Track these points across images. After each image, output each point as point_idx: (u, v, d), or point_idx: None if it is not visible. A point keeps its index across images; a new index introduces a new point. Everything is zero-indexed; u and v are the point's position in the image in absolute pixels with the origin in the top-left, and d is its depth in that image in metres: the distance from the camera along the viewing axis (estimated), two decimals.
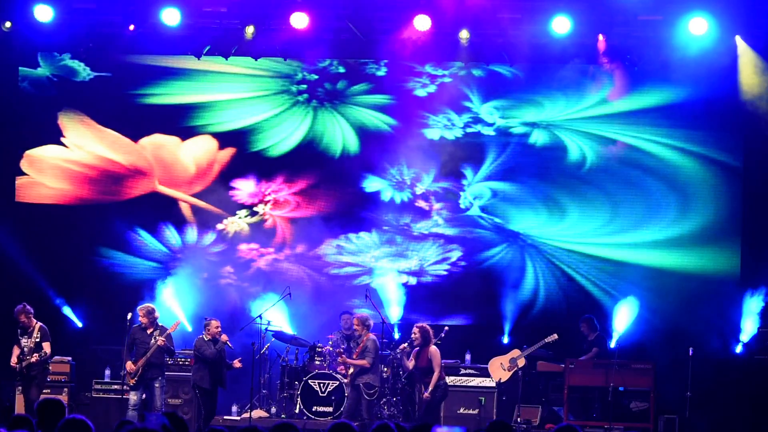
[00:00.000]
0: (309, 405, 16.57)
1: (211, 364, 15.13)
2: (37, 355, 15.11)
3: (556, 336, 16.50)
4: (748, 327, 16.74)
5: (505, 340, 17.62)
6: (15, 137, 18.37)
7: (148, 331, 15.15)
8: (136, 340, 15.18)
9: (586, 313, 17.15)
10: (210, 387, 15.12)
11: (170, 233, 18.46)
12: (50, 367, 15.69)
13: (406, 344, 15.22)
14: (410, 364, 15.02)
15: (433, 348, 14.95)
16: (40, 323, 15.34)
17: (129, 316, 15.60)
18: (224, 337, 15.19)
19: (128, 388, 15.28)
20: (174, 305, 17.54)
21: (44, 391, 15.83)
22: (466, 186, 18.26)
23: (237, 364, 15.42)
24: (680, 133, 17.83)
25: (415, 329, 15.04)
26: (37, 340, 15.21)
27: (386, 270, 18.18)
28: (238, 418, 16.54)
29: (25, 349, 15.18)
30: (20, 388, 15.76)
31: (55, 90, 18.36)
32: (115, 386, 16.31)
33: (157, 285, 17.65)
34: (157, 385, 15.11)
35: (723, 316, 17.19)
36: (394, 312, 17.66)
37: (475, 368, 16.78)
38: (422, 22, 16.67)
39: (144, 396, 15.22)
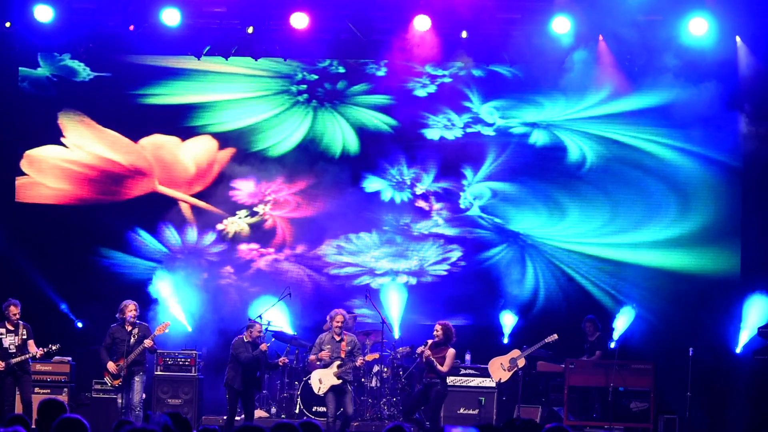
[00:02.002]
0: (309, 405, 16.58)
1: (245, 366, 15.13)
2: (43, 348, 15.01)
3: (556, 336, 16.50)
4: (748, 327, 16.74)
5: (505, 340, 17.60)
6: (15, 137, 18.36)
7: (128, 329, 15.01)
8: (116, 339, 15.00)
9: (588, 314, 17.16)
10: (241, 388, 15.15)
11: (170, 233, 18.46)
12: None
13: (427, 344, 15.11)
14: (424, 351, 14.94)
15: (452, 349, 14.97)
16: (23, 321, 15.25)
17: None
18: (264, 346, 15.17)
19: (112, 389, 15.24)
20: (173, 306, 17.55)
21: (44, 391, 15.89)
22: (466, 186, 18.27)
23: (282, 361, 15.58)
24: (680, 133, 17.82)
25: (437, 326, 15.05)
26: (24, 338, 15.10)
27: (388, 273, 18.19)
28: (239, 418, 16.52)
29: (11, 346, 15.05)
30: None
31: (55, 90, 18.36)
32: (119, 387, 16.26)
33: (152, 280, 17.66)
34: (137, 378, 14.96)
35: (723, 316, 17.19)
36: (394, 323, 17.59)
37: (475, 368, 16.79)
38: (422, 22, 16.67)
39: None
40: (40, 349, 15.02)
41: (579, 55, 17.14)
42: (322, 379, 15.23)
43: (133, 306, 15.09)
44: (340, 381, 15.16)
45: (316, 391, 15.39)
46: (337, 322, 15.32)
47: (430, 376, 15.01)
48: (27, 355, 15.01)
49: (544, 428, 7.31)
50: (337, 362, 15.20)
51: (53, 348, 15.09)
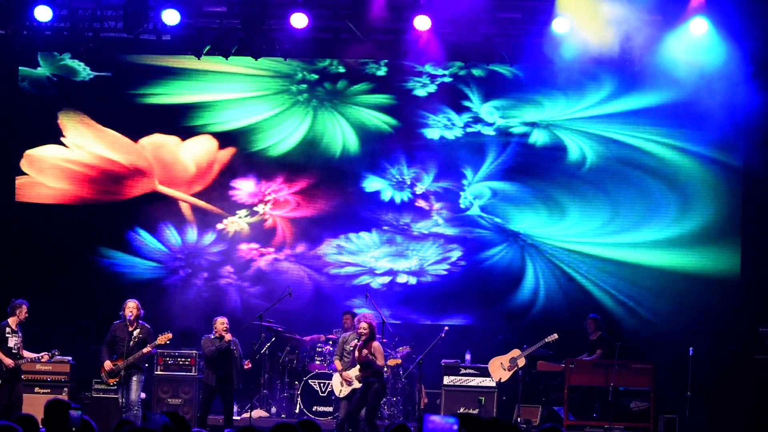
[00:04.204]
0: (309, 405, 16.58)
1: (213, 362, 15.15)
2: (48, 353, 15.13)
3: (556, 336, 16.50)
4: (748, 327, 16.73)
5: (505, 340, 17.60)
6: (15, 137, 18.37)
7: (130, 329, 14.94)
8: (117, 337, 14.93)
9: (591, 313, 17.16)
10: (214, 384, 15.15)
11: (170, 233, 18.46)
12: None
13: (357, 340, 14.94)
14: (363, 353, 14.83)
15: (376, 343, 14.85)
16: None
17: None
18: (227, 337, 15.19)
19: (111, 387, 15.26)
20: (173, 306, 17.58)
21: (44, 390, 15.96)
22: (466, 186, 18.27)
23: (246, 365, 15.45)
24: (680, 133, 17.84)
25: (364, 324, 14.78)
26: (22, 339, 15.22)
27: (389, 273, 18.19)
28: (239, 417, 16.54)
29: (15, 346, 15.12)
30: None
31: (55, 90, 18.37)
32: (114, 387, 16.25)
33: (160, 285, 17.69)
34: (135, 378, 14.86)
35: (723, 316, 17.21)
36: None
37: (475, 368, 16.78)
38: (422, 22, 16.66)
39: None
40: (45, 353, 15.12)
41: (579, 55, 17.07)
42: (344, 382, 15.12)
43: (133, 305, 15.00)
44: (361, 385, 15.05)
45: (337, 393, 15.28)
46: (361, 329, 15.00)
47: (365, 375, 14.83)
48: (32, 357, 15.13)
49: (539, 428, 7.32)
50: (359, 366, 15.07)
51: (55, 353, 15.21)
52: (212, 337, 15.25)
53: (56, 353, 15.23)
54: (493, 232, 18.22)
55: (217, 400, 15.44)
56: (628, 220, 18.00)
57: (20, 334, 15.19)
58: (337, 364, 15.25)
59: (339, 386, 15.16)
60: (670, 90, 17.40)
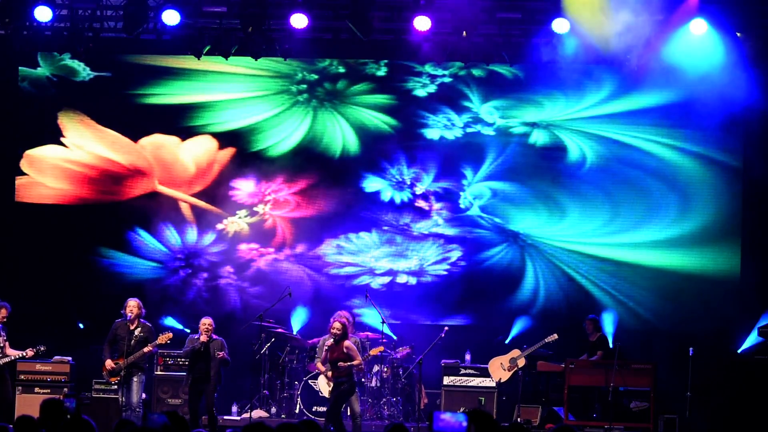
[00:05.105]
0: (309, 405, 16.58)
1: (189, 362, 15.17)
2: (32, 349, 15.12)
3: (556, 336, 16.52)
4: (748, 327, 16.73)
5: (506, 340, 17.60)
6: (15, 137, 18.37)
7: (131, 327, 14.93)
8: (118, 336, 14.91)
9: (590, 313, 17.16)
10: (190, 384, 15.12)
11: (170, 233, 18.46)
12: None
13: (332, 340, 14.92)
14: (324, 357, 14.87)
15: (348, 342, 14.82)
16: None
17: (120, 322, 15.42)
18: (203, 338, 15.08)
19: (112, 388, 15.24)
20: (172, 306, 17.56)
21: (44, 391, 15.97)
22: (466, 186, 18.28)
23: (220, 355, 15.17)
24: (680, 133, 17.84)
25: (338, 324, 14.74)
26: (6, 340, 15.24)
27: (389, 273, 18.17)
28: (238, 418, 16.55)
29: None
30: (20, 388, 15.90)
31: (55, 90, 18.37)
32: (115, 386, 16.25)
33: (160, 286, 17.69)
34: (135, 379, 14.83)
35: (723, 316, 17.21)
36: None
37: (475, 368, 16.79)
38: (422, 23, 16.66)
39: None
40: (30, 349, 15.11)
41: (579, 55, 17.08)
42: (330, 382, 15.11)
43: (134, 303, 14.99)
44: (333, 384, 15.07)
45: (326, 394, 15.28)
46: (335, 329, 15.00)
47: (336, 375, 14.72)
48: (16, 355, 15.13)
49: (550, 430, 7.33)
50: (330, 365, 15.06)
51: (41, 349, 15.19)
52: (194, 337, 15.23)
53: (42, 349, 15.20)
54: (493, 232, 18.22)
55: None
56: (628, 220, 17.99)
57: (3, 335, 15.21)
58: (319, 366, 15.27)
59: (326, 387, 15.21)
60: (670, 90, 17.42)
